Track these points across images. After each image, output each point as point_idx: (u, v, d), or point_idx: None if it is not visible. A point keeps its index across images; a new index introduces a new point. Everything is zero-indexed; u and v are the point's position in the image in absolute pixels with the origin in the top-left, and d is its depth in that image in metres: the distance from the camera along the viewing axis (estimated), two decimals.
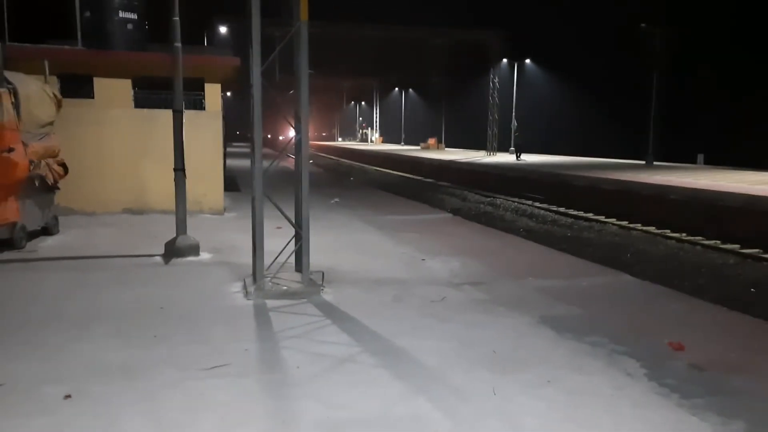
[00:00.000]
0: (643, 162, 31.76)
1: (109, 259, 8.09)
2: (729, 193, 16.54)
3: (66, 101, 10.16)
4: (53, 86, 10.14)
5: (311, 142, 74.89)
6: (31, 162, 8.62)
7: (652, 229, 16.02)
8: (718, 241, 14.11)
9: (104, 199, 11.75)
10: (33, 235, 9.14)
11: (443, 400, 4.01)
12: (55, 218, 9.88)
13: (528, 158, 35.36)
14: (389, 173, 38.58)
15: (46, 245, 8.97)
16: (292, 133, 6.92)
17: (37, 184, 8.92)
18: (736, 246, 13.55)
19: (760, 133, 35.08)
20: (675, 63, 35.09)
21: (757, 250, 13.10)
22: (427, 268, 7.86)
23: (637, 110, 33.97)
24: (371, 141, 78.63)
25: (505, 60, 44.80)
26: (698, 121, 41.24)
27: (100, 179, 11.68)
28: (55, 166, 9.42)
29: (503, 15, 60.43)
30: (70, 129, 10.86)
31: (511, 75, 44.53)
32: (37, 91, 9.13)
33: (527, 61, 46.92)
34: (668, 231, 15.60)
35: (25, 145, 8.46)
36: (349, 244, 9.44)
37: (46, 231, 9.55)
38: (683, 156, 33.05)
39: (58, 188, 9.69)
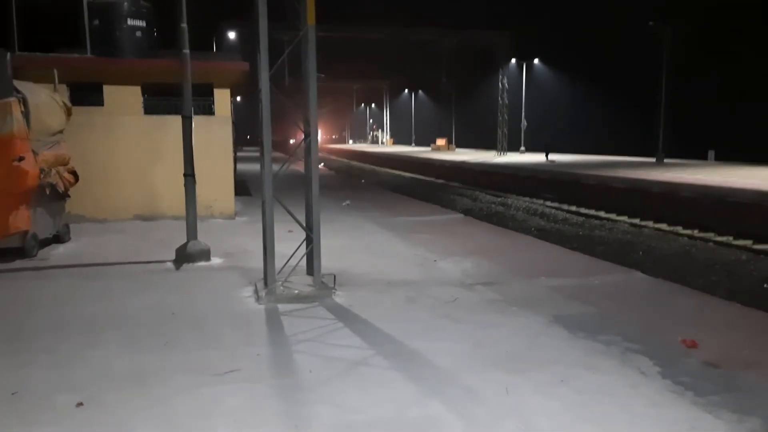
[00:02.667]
0: (654, 159, 31.58)
1: (120, 266, 8.13)
2: (741, 189, 16.41)
3: (76, 109, 10.23)
4: (62, 94, 10.21)
5: (322, 145, 74.88)
6: (41, 170, 8.67)
7: (663, 226, 15.91)
8: (731, 237, 13.98)
9: (115, 206, 11.82)
10: (44, 243, 9.20)
11: (457, 401, 3.99)
12: (66, 226, 9.94)
13: (536, 157, 35.19)
14: (400, 175, 38.59)
15: (58, 253, 9.03)
16: (302, 136, 6.92)
17: (47, 193, 8.97)
18: (748, 242, 13.43)
19: None
20: (685, 60, 34.83)
21: None
22: (440, 269, 7.83)
23: (647, 108, 33.78)
24: (382, 143, 78.67)
25: (513, 60, 44.71)
26: (708, 117, 40.93)
27: (110, 186, 11.74)
28: (66, 174, 9.48)
29: (511, 16, 60.28)
30: (80, 136, 10.92)
31: (519, 75, 44.44)
32: (46, 100, 9.19)
33: (536, 61, 46.82)
34: (680, 228, 15.48)
35: (35, 153, 8.51)
36: (360, 246, 9.43)
37: (58, 239, 9.61)
38: (694, 153, 32.83)
39: (69, 196, 9.75)
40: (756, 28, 38.03)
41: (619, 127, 47.40)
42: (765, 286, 10.13)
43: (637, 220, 16.87)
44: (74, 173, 9.73)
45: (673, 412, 3.82)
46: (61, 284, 7.20)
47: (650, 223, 16.36)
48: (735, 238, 13.88)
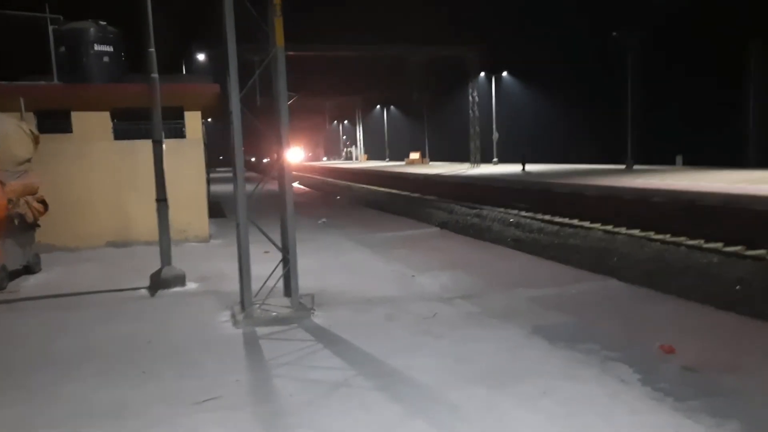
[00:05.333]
0: (624, 166, 32.10)
1: (93, 295, 7.98)
2: (710, 192, 16.73)
3: (44, 137, 10.07)
4: (30, 123, 10.05)
5: (297, 164, 74.34)
6: (9, 201, 8.51)
7: (636, 232, 16.11)
8: (702, 241, 14.20)
9: (87, 234, 11.62)
10: (15, 274, 8.99)
11: (441, 419, 3.97)
12: (37, 256, 9.74)
13: (509, 168, 35.57)
14: (376, 190, 38.60)
15: (29, 284, 8.84)
16: (275, 155, 6.89)
17: (16, 223, 8.80)
18: (719, 245, 13.66)
19: (736, 132, 35.67)
20: (650, 68, 35.61)
21: (739, 248, 13.21)
22: (418, 284, 7.83)
23: (615, 116, 34.39)
24: (356, 159, 78.81)
25: (482, 73, 45.27)
26: (676, 123, 41.77)
27: (81, 214, 11.56)
28: (35, 204, 9.31)
29: (478, 30, 61.13)
30: (49, 164, 10.76)
31: (489, 88, 44.99)
32: (13, 129, 9.05)
33: (504, 73, 47.44)
34: (652, 233, 15.69)
35: (2, 184, 8.36)
36: (338, 264, 9.40)
37: (28, 270, 9.41)
38: (662, 158, 33.43)
39: (39, 225, 9.57)
40: (719, 35, 39.01)
41: (589, 136, 48.12)
42: (737, 288, 10.30)
43: (610, 227, 17.07)
44: (43, 202, 9.57)
45: (655, 418, 3.85)
46: (32, 317, 7.04)
47: (623, 230, 16.56)
48: (706, 242, 14.11)
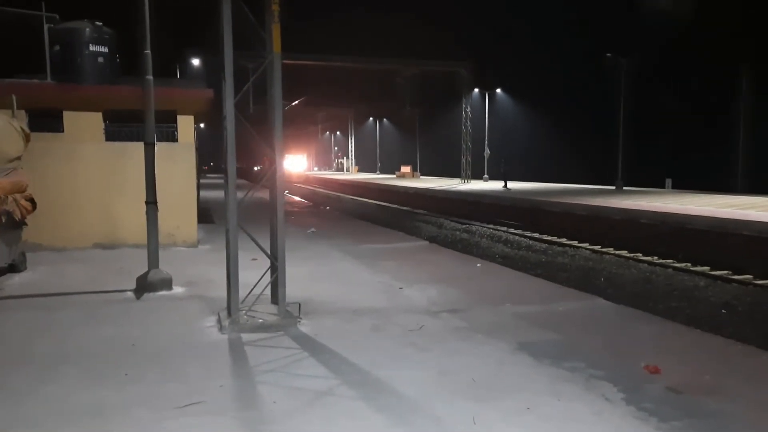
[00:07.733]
0: (613, 187, 32.35)
1: (78, 296, 7.91)
2: (698, 216, 16.88)
3: (35, 135, 10.01)
4: (21, 121, 10.00)
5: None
6: None
7: (624, 253, 16.21)
8: (689, 264, 14.32)
9: (74, 234, 11.53)
10: None
11: (425, 431, 3.95)
12: (23, 255, 9.65)
13: (500, 185, 35.72)
14: (365, 202, 38.63)
15: (14, 283, 8.75)
16: (269, 162, 6.88)
17: (3, 221, 8.72)
18: (706, 268, 13.77)
19: (725, 157, 36.10)
20: (641, 91, 35.96)
21: (726, 272, 13.32)
22: (405, 297, 7.82)
23: (606, 137, 34.68)
24: (347, 170, 78.88)
25: (476, 90, 45.54)
26: (665, 146, 42.19)
27: (70, 214, 11.48)
28: (23, 202, 9.23)
29: (474, 46, 61.58)
30: (39, 163, 10.70)
31: (482, 104, 45.26)
32: (3, 126, 8.99)
33: (498, 90, 47.76)
34: (640, 254, 15.80)
35: None
36: (326, 274, 9.38)
37: (14, 268, 9.31)
38: (652, 181, 33.71)
39: (26, 224, 9.49)
40: (710, 60, 39.53)
41: (580, 156, 48.45)
42: (722, 311, 10.37)
43: (598, 247, 17.17)
44: (32, 201, 9.49)
45: None
46: (16, 316, 6.96)
47: (611, 250, 16.67)
48: (693, 265, 14.22)
